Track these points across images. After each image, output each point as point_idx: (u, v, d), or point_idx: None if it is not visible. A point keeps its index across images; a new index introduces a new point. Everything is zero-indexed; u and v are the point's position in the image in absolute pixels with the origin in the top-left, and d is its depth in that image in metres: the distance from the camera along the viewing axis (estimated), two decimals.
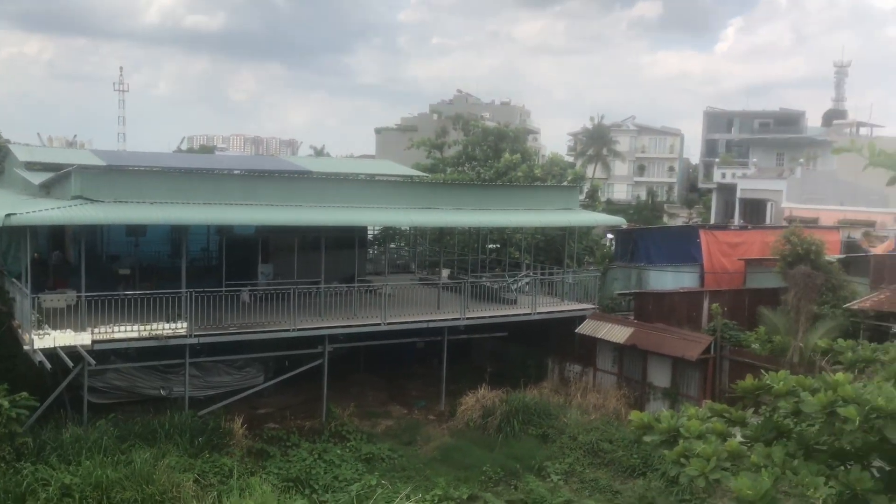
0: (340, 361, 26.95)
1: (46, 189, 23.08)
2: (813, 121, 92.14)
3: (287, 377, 23.15)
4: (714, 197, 69.98)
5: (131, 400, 21.22)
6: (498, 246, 35.55)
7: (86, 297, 19.28)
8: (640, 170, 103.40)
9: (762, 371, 9.00)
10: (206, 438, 19.25)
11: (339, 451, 20.38)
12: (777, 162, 69.43)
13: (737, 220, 57.15)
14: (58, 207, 19.56)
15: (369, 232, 33.25)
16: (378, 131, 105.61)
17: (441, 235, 32.51)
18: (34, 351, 18.22)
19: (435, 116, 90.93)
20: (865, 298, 24.62)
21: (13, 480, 15.58)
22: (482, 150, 42.23)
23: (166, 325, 19.92)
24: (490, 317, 25.38)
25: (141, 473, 16.11)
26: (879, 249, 34.74)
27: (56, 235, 26.05)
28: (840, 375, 8.16)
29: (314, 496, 17.63)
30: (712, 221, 61.55)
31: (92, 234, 24.72)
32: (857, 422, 7.37)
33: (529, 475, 19.63)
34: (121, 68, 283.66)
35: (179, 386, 21.06)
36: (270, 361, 23.57)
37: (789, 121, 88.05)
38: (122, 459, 17.01)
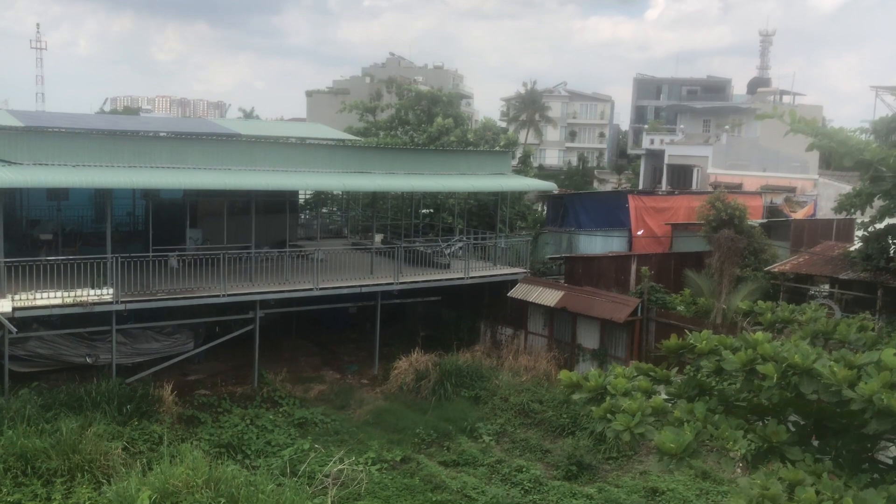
0: (272, 327, 26.74)
1: None
2: (739, 88, 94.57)
3: (218, 343, 22.86)
4: (643, 163, 71.37)
5: (56, 368, 20.68)
6: (431, 211, 35.58)
7: (5, 262, 18.61)
8: (572, 136, 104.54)
9: (686, 332, 9.31)
10: (135, 406, 18.92)
11: (271, 417, 20.32)
12: (704, 129, 71.09)
13: (664, 186, 58.44)
14: None
15: (301, 196, 32.84)
16: (309, 94, 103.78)
17: (374, 200, 32.35)
18: None
19: (367, 80, 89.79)
20: (785, 262, 25.61)
21: None
22: (415, 114, 42.01)
23: (91, 292, 19.40)
24: (423, 281, 25.49)
25: (67, 442, 15.77)
26: (800, 214, 36.12)
27: None
28: (759, 335, 8.51)
29: (247, 461, 17.57)
30: (641, 187, 62.81)
31: (10, 198, 23.70)
32: (775, 378, 7.70)
33: (462, 436, 19.94)
34: (38, 25, 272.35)
35: (106, 353, 20.59)
36: (200, 328, 23.23)
37: (716, 88, 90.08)
38: (47, 428, 16.61)
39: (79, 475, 15.17)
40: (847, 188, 29.85)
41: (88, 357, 20.78)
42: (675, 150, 61.84)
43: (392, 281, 24.43)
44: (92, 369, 20.57)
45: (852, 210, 23.39)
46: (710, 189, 37.23)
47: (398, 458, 18.34)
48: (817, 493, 6.48)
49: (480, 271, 26.61)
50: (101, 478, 15.15)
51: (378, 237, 29.42)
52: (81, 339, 20.88)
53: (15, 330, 18.31)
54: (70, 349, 20.68)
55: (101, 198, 23.86)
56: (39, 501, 14.40)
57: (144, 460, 15.95)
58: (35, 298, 18.77)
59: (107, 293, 19.56)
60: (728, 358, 8.38)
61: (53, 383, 19.72)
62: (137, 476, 13.95)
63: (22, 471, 15.08)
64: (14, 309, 18.36)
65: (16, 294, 18.56)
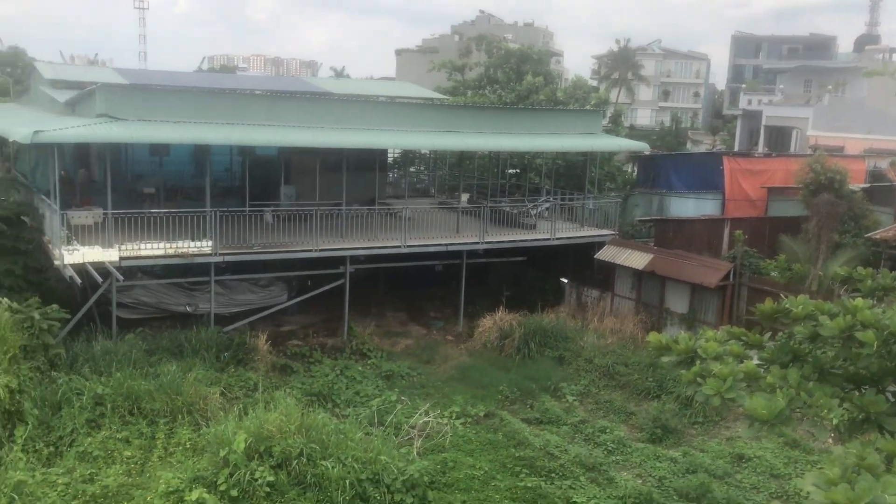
0: (361, 282, 27.33)
1: (72, 107, 23.16)
2: (844, 47, 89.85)
3: (309, 296, 23.57)
4: (739, 124, 68.90)
5: (158, 316, 21.75)
6: (518, 171, 35.43)
7: (112, 214, 19.56)
8: (665, 95, 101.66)
9: (781, 297, 9.12)
10: (232, 354, 19.79)
11: (360, 368, 20.90)
12: (805, 89, 67.99)
13: (761, 148, 56.40)
14: (83, 125, 19.69)
15: (389, 155, 33.21)
16: (398, 53, 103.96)
17: (461, 159, 32.41)
18: (64, 266, 18.63)
19: (457, 38, 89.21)
20: (888, 228, 24.48)
21: (49, 389, 16.15)
22: (504, 72, 41.63)
23: (191, 244, 20.24)
24: (509, 241, 25.54)
25: (170, 385, 16.63)
26: None
27: (81, 153, 26.23)
28: (859, 301, 8.27)
29: (336, 410, 18.17)
30: (736, 148, 60.77)
31: (116, 153, 24.86)
32: (875, 346, 7.50)
33: (545, 395, 20.08)
34: None
35: (205, 303, 21.52)
36: (293, 281, 23.98)
37: (819, 46, 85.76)
38: (151, 372, 17.56)
39: (180, 417, 16.02)
40: None
41: (188, 306, 21.76)
42: (774, 110, 59.43)
43: (478, 240, 24.58)
44: (192, 318, 21.55)
45: None
46: (809, 152, 35.76)
47: (482, 414, 18.64)
48: None
49: (567, 232, 26.46)
50: (200, 420, 15.96)
51: (464, 197, 29.55)
52: (182, 289, 21.88)
53: (122, 278, 19.30)
54: (171, 298, 21.71)
55: (201, 153, 24.69)
56: (145, 439, 15.28)
57: (240, 405, 16.71)
58: (139, 249, 19.72)
59: (206, 245, 20.37)
60: (825, 324, 8.19)
61: (156, 330, 20.76)
62: (234, 420, 14.63)
63: (129, 410, 16.01)
64: (121, 258, 19.35)
65: (122, 244, 19.53)
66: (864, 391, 8.04)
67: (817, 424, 7.45)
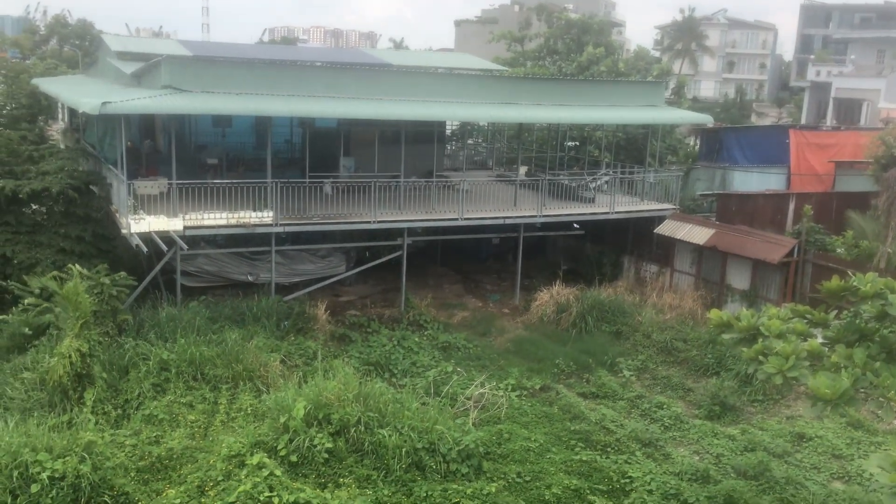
0: (418, 255, 27.51)
1: (137, 78, 23.67)
2: None
3: (367, 267, 23.84)
4: (806, 96, 66.77)
5: (220, 284, 22.26)
6: (577, 144, 35.03)
7: (177, 184, 20.01)
8: (730, 66, 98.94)
9: (848, 274, 8.90)
10: (292, 322, 20.18)
11: (416, 339, 21.10)
12: (877, 60, 65.37)
13: (829, 121, 54.65)
14: (149, 97, 20.12)
15: (447, 127, 33.14)
16: (457, 24, 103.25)
17: (519, 132, 32.18)
18: (131, 234, 19.17)
19: (516, 8, 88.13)
20: None
21: (116, 353, 16.72)
22: (564, 43, 41.11)
23: (253, 214, 20.60)
24: (566, 215, 25.33)
25: (231, 352, 17.06)
26: None
27: (147, 124, 26.83)
28: None
29: (393, 380, 18.42)
30: (803, 122, 58.98)
31: (181, 124, 25.36)
32: None
33: (601, 370, 20.00)
34: None
35: (265, 272, 21.94)
36: (352, 252, 24.27)
37: (894, 15, 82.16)
38: (214, 339, 18.00)
39: (241, 383, 16.43)
40: None
41: (250, 275, 22.22)
42: (844, 82, 57.38)
43: (535, 213, 24.44)
44: (252, 287, 22.00)
45: None
46: (880, 125, 34.51)
47: (537, 387, 18.67)
48: None
49: (626, 206, 26.12)
50: (261, 387, 16.35)
51: (522, 169, 29.34)
52: (243, 259, 22.34)
53: (186, 247, 19.78)
54: (233, 267, 22.18)
55: (262, 125, 25.02)
56: (208, 404, 15.73)
57: (300, 373, 17.07)
58: (203, 219, 20.14)
59: (267, 216, 20.71)
60: (894, 303, 7.98)
61: (219, 298, 21.25)
62: (294, 387, 14.96)
63: (192, 376, 16.48)
64: (185, 227, 19.81)
65: (186, 214, 19.99)
66: None
67: (883, 405, 7.31)
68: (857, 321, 8.72)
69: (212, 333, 18.35)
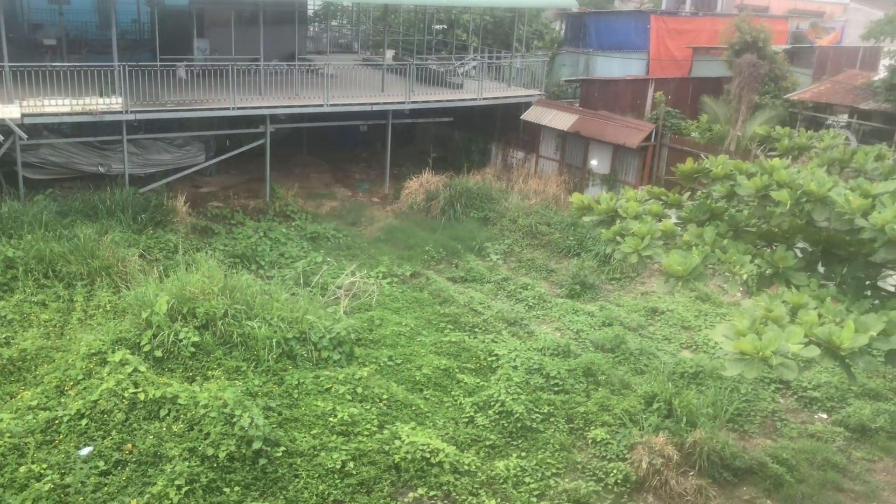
0: (283, 143, 26.67)
1: None
2: None
3: (228, 157, 22.88)
4: None
5: (69, 176, 20.84)
6: (445, 27, 34.37)
7: (10, 67, 18.25)
8: None
9: (701, 157, 9.24)
10: (150, 215, 19.25)
11: (283, 230, 20.69)
12: None
13: (688, 7, 55.96)
14: None
15: (309, 7, 31.63)
16: None
17: (385, 13, 31.16)
18: None
19: None
20: (805, 90, 24.97)
21: None
22: None
23: (100, 100, 19.16)
24: (435, 101, 25.04)
25: (85, 248, 16.16)
26: (825, 41, 34.76)
27: None
28: (776, 161, 8.44)
29: (261, 272, 18.08)
30: (664, 7, 60.10)
31: (10, 0, 22.95)
32: (788, 205, 7.72)
33: (470, 255, 20.37)
34: None
35: (118, 163, 20.66)
36: (211, 140, 23.17)
37: None
38: (65, 234, 16.99)
39: (98, 280, 15.67)
40: (879, 14, 28.53)
41: (101, 166, 20.88)
42: None
43: (403, 100, 24.01)
44: (105, 179, 20.73)
45: (881, 37, 22.44)
46: (735, 12, 35.64)
47: (408, 273, 18.84)
48: (819, 316, 6.67)
49: (494, 92, 26.08)
50: (120, 283, 15.65)
51: (389, 53, 28.61)
52: (93, 149, 20.90)
53: (25, 136, 18.28)
54: (82, 158, 20.74)
55: (104, 2, 23.00)
56: (62, 302, 14.96)
57: (161, 267, 16.44)
58: (43, 105, 18.58)
59: (115, 102, 19.33)
60: (742, 183, 8.38)
61: (67, 191, 19.95)
62: (155, 282, 14.41)
63: (43, 273, 15.56)
64: (23, 115, 18.23)
65: (23, 101, 18.36)
66: (774, 248, 8.35)
67: (729, 279, 7.73)
68: (708, 202, 9.12)
69: (62, 229, 17.28)
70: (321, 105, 22.50)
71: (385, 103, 23.88)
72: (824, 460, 12.41)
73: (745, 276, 7.63)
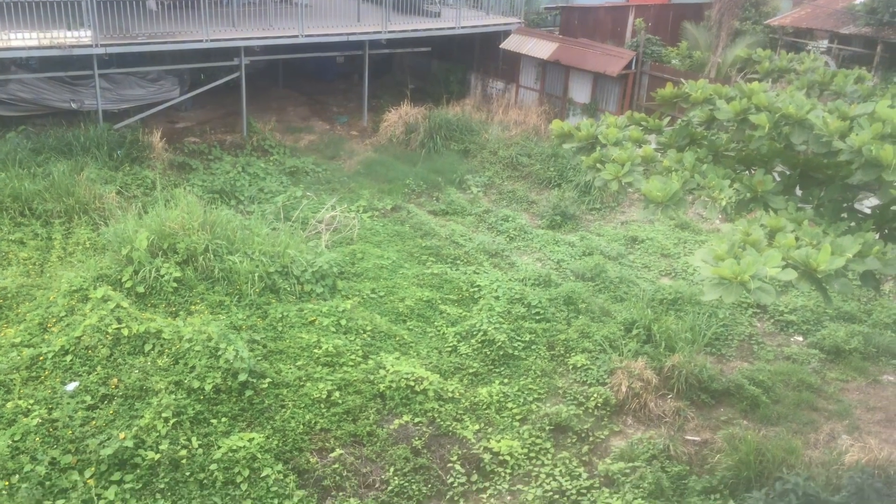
0: (259, 76, 26.21)
1: None
2: None
3: (204, 91, 22.42)
4: None
5: (40, 113, 20.39)
6: None
7: None
8: None
9: (681, 82, 9.18)
10: (125, 151, 18.96)
11: (262, 165, 20.49)
12: None
13: None
14: None
15: None
16: None
17: None
18: None
19: None
20: (786, 15, 24.77)
21: None
22: None
23: (68, 33, 18.65)
24: (412, 30, 24.57)
25: (61, 185, 15.97)
26: None
27: None
28: (755, 84, 8.42)
29: (240, 207, 17.97)
30: None
31: None
32: (767, 129, 7.73)
33: (451, 188, 20.32)
34: None
35: (91, 99, 20.23)
36: (185, 74, 22.67)
37: None
38: (40, 172, 16.75)
39: (76, 217, 15.53)
40: None
41: (73, 102, 20.44)
42: None
43: (380, 29, 23.55)
44: (78, 115, 20.32)
45: None
46: None
47: (389, 207, 18.80)
48: (797, 238, 6.74)
49: (472, 20, 25.61)
50: (98, 220, 15.52)
51: None
52: (64, 84, 20.41)
53: None
54: (53, 94, 20.27)
55: None
56: (41, 240, 14.84)
57: (139, 204, 16.29)
58: (9, 39, 18.07)
59: (84, 35, 18.82)
60: (722, 107, 8.35)
61: (40, 128, 19.58)
62: (134, 218, 14.29)
63: (20, 212, 15.40)
64: None
65: None
66: (753, 172, 8.39)
67: (708, 205, 7.77)
68: (688, 127, 9.11)
69: (36, 166, 17.03)
70: (296, 36, 22.03)
71: (361, 33, 23.42)
72: (799, 381, 12.73)
73: (724, 203, 7.67)
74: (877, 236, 7.25)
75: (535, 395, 12.01)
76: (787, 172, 8.41)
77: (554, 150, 21.30)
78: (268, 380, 11.12)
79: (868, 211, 8.02)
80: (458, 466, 10.44)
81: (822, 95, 9.15)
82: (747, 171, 8.64)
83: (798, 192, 8.22)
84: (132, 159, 18.92)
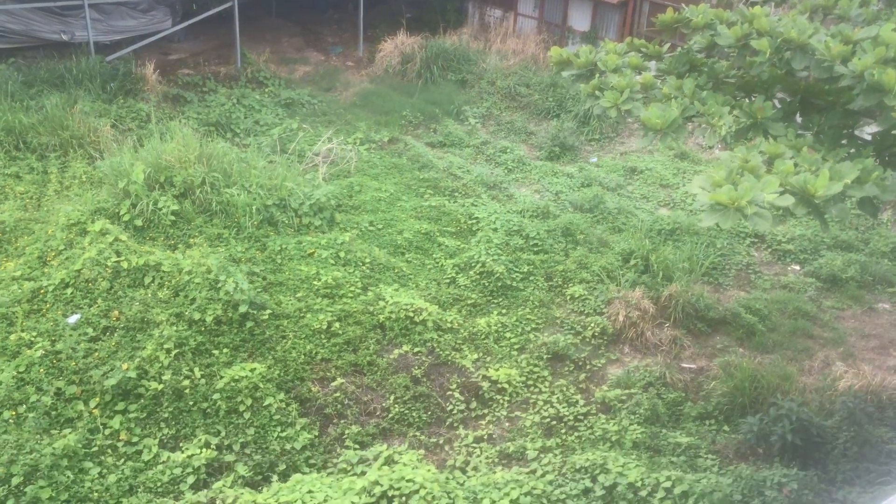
0: (252, 6, 25.65)
1: None
2: None
3: (196, 21, 21.99)
4: None
5: (31, 45, 20.03)
6: None
7: None
8: None
9: (682, 7, 9.01)
10: (119, 84, 18.69)
11: (257, 97, 20.25)
12: None
13: None
14: None
15: None
16: None
17: None
18: None
19: None
20: None
21: None
22: None
23: None
24: None
25: (54, 118, 15.78)
26: None
27: None
28: (757, 8, 8.25)
29: (236, 140, 17.83)
30: None
31: None
32: (768, 54, 7.61)
33: (448, 119, 20.13)
34: None
35: (81, 30, 19.85)
36: (177, 5, 22.20)
37: None
38: (33, 105, 16.55)
39: (71, 151, 15.40)
40: None
41: (63, 34, 20.05)
42: None
43: None
44: (69, 47, 19.96)
45: None
46: None
47: (386, 139, 18.65)
48: (795, 165, 6.70)
49: None
50: (94, 153, 15.41)
51: None
52: (53, 15, 19.99)
53: None
54: (43, 25, 19.86)
55: None
56: (37, 174, 14.77)
57: (135, 137, 16.15)
58: None
59: None
60: (723, 32, 8.21)
61: (31, 61, 19.26)
62: (130, 151, 14.18)
63: (14, 145, 15.27)
64: None
65: None
66: (753, 99, 8.29)
67: (707, 132, 7.71)
68: (689, 53, 8.97)
69: (29, 99, 16.82)
70: None
71: None
72: (796, 309, 12.85)
73: (723, 131, 7.60)
74: (876, 162, 7.21)
75: (533, 325, 12.13)
76: (788, 99, 8.31)
77: (553, 80, 21.03)
78: (268, 311, 11.21)
79: (868, 138, 7.96)
80: (457, 394, 10.61)
81: (825, 20, 8.97)
82: (747, 99, 8.54)
83: (798, 119, 8.15)
84: (126, 92, 18.67)
